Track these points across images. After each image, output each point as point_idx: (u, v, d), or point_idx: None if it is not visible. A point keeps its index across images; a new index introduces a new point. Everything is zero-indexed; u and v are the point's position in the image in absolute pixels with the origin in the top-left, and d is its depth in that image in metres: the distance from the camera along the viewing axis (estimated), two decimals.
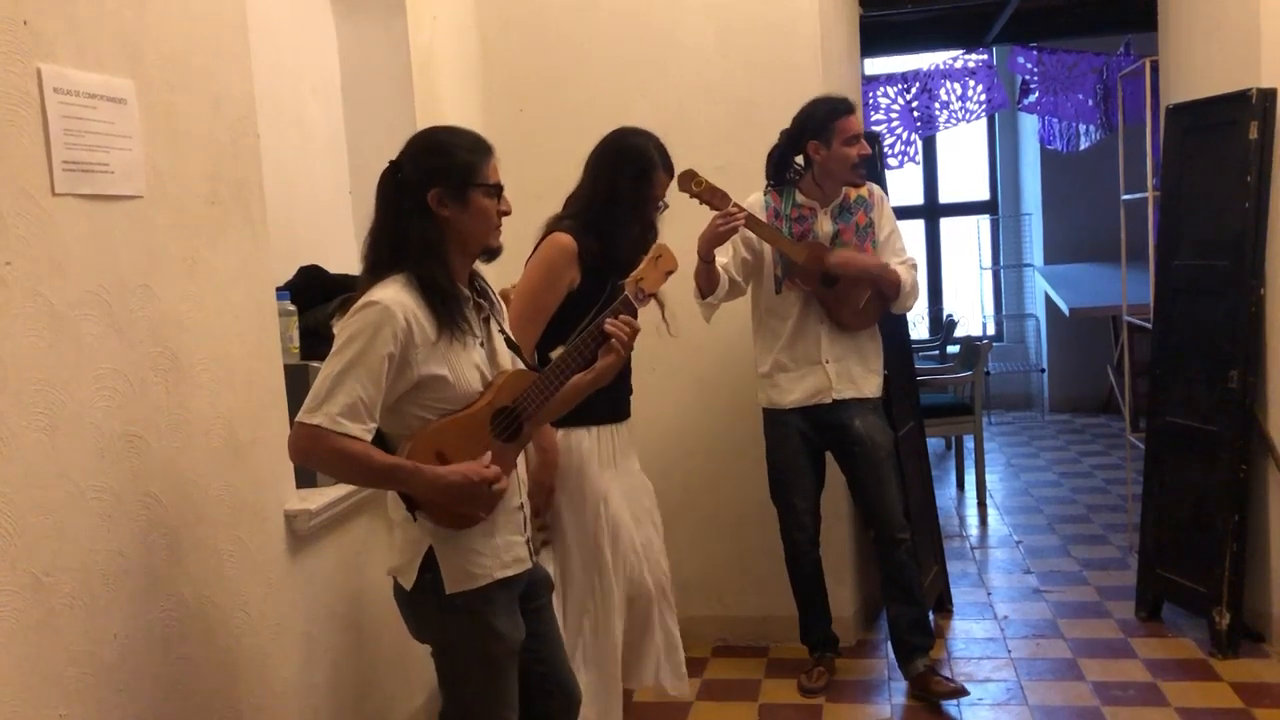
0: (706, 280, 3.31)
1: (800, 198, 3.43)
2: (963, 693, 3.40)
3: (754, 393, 3.57)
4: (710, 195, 3.15)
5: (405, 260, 2.04)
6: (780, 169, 3.45)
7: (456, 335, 2.05)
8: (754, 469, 3.67)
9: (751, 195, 3.46)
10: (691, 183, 3.12)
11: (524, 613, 2.22)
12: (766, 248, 3.40)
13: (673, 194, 3.04)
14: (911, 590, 3.50)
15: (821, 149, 3.33)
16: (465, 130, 2.16)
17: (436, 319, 2.03)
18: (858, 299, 3.40)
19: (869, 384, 3.47)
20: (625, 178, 2.70)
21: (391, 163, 2.10)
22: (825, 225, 3.41)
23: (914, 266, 3.49)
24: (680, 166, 2.81)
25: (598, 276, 2.70)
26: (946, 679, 3.46)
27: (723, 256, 3.33)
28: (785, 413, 3.46)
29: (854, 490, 3.64)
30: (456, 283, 2.10)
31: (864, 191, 3.46)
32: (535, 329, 2.67)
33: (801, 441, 3.48)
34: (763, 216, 3.37)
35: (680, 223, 2.99)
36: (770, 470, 3.56)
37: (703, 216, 3.17)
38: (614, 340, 2.22)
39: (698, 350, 3.80)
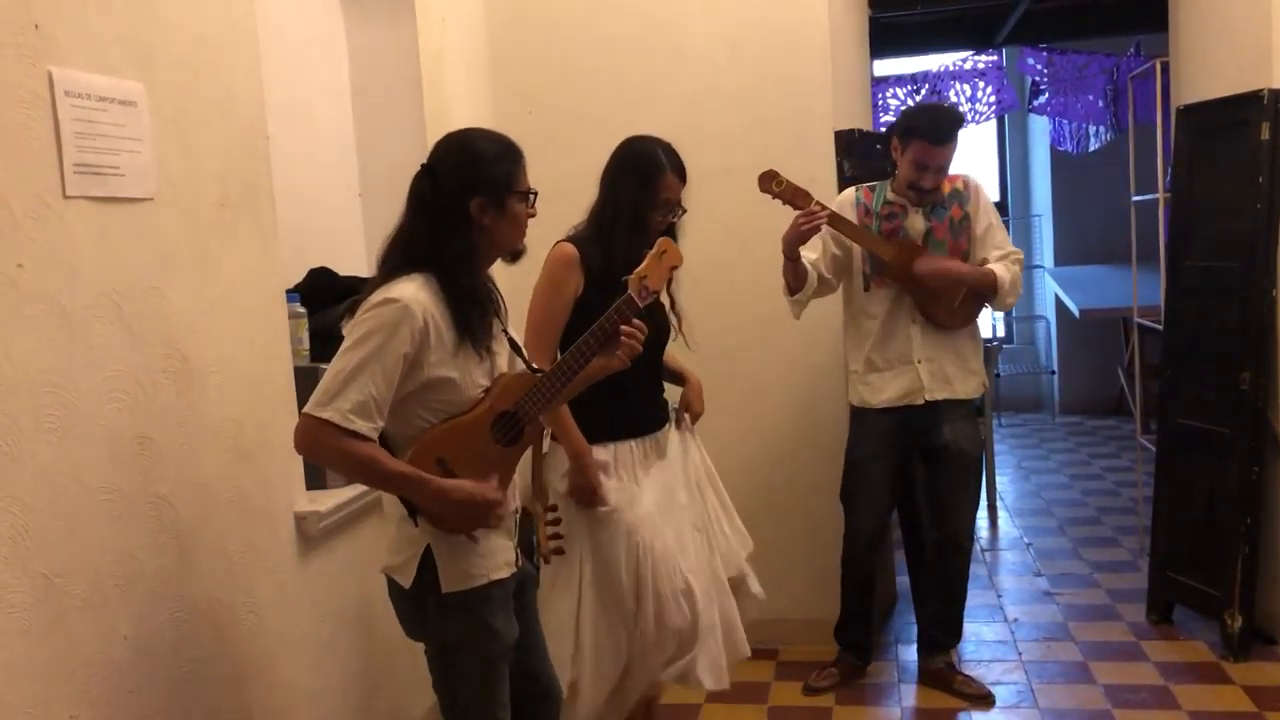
0: (794, 277, 3.29)
1: (891, 194, 3.38)
2: (989, 700, 3.43)
3: (776, 394, 3.55)
4: (792, 195, 3.12)
5: (437, 265, 2.03)
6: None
7: (474, 341, 2.05)
8: (766, 468, 3.66)
9: (844, 191, 3.47)
10: (772, 183, 3.10)
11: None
12: (856, 244, 3.37)
13: (751, 192, 3.05)
14: (958, 596, 3.55)
15: (895, 153, 3.34)
16: (497, 135, 2.15)
17: (456, 324, 2.02)
18: (953, 296, 3.35)
19: (966, 385, 3.41)
20: (629, 184, 2.69)
21: (424, 166, 2.08)
22: (917, 223, 3.35)
23: (1017, 261, 3.39)
24: (688, 169, 2.79)
25: (603, 284, 2.67)
26: (970, 678, 3.52)
27: (812, 253, 3.31)
28: (875, 413, 3.41)
29: (928, 493, 3.58)
30: (480, 289, 2.10)
31: (959, 184, 3.40)
32: (550, 341, 2.66)
33: (882, 445, 3.43)
34: (853, 213, 3.36)
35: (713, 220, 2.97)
36: (845, 467, 3.54)
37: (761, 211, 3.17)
38: (622, 347, 2.17)
39: (708, 356, 3.78)
